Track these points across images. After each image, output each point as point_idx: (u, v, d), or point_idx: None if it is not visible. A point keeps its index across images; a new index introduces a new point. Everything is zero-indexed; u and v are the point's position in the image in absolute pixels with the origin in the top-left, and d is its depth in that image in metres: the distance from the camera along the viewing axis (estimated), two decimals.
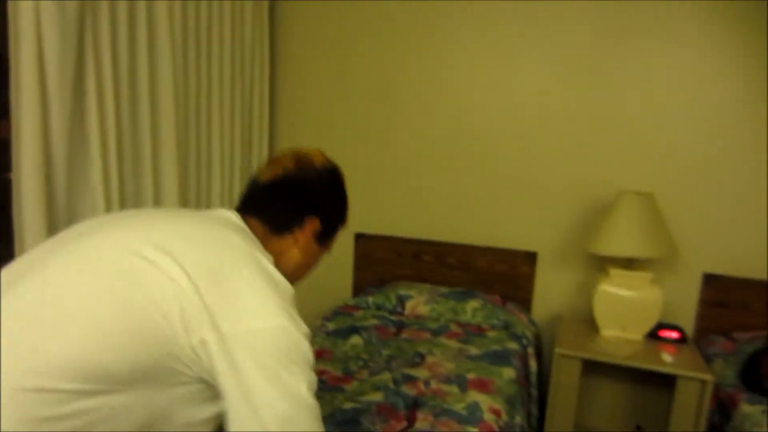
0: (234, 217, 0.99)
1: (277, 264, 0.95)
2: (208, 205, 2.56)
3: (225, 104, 2.57)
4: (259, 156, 2.88)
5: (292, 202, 1.04)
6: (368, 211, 2.97)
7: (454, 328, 2.41)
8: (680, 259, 2.52)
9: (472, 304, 2.52)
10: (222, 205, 2.62)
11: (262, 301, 0.82)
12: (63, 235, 0.89)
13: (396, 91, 2.84)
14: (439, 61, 2.76)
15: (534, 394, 2.33)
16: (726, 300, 2.49)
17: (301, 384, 0.82)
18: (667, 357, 2.19)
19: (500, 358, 2.12)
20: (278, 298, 0.84)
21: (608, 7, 2.48)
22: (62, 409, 0.70)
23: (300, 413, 0.81)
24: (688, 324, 2.55)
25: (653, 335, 2.40)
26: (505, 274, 2.75)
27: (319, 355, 2.08)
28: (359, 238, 2.97)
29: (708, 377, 2.06)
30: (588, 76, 2.55)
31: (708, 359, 2.34)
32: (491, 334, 2.36)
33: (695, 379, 2.08)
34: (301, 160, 1.06)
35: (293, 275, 1.08)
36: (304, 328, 0.86)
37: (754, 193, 2.42)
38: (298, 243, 1.06)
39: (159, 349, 0.75)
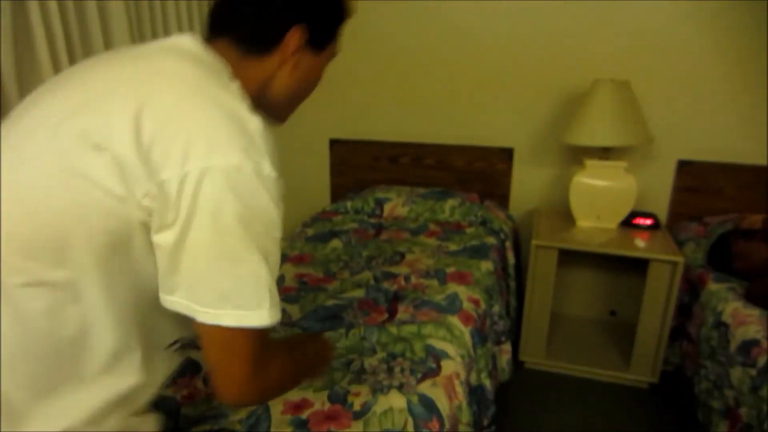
0: (188, 43, 0.78)
1: (266, 92, 0.83)
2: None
3: None
4: None
5: (266, 12, 0.79)
6: (343, 116, 2.89)
7: (432, 227, 2.43)
8: (655, 146, 2.52)
9: (450, 202, 2.53)
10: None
11: (209, 137, 0.67)
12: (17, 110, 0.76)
13: None
14: None
15: (512, 285, 2.41)
16: (699, 186, 2.52)
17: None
18: (639, 243, 2.25)
19: (478, 252, 2.15)
20: (235, 134, 0.68)
21: None
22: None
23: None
24: (663, 211, 2.60)
25: (628, 223, 2.44)
26: (482, 172, 2.74)
27: (300, 259, 2.10)
28: (334, 143, 2.92)
29: (678, 259, 2.13)
30: None
31: (680, 243, 2.41)
32: (469, 230, 2.39)
33: (666, 262, 2.15)
34: None
35: (290, 99, 0.88)
36: (268, 170, 0.69)
37: (728, 78, 2.38)
38: (286, 62, 0.82)
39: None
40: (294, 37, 0.81)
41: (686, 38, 2.38)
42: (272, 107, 0.86)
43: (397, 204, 2.56)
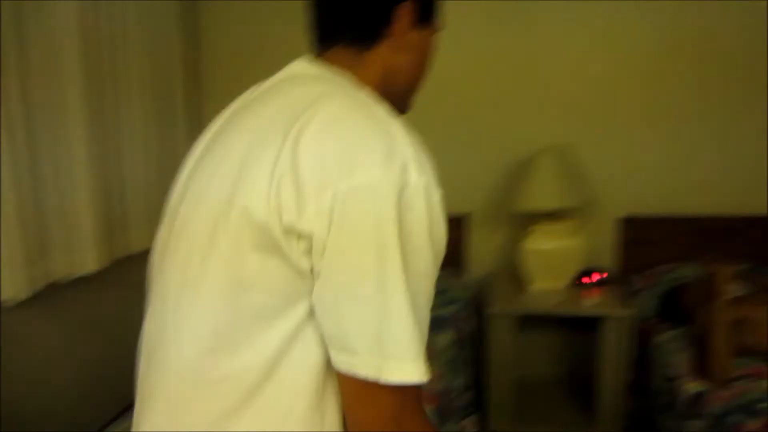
0: (309, 68, 0.75)
1: (387, 84, 0.78)
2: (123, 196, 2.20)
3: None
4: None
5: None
6: None
7: None
8: (601, 204, 2.64)
9: None
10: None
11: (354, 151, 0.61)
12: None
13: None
14: None
15: (473, 354, 2.44)
16: (644, 238, 2.65)
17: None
18: (589, 301, 2.33)
19: (435, 324, 2.18)
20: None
21: None
22: None
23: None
24: (613, 265, 2.70)
25: (580, 281, 2.53)
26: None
27: None
28: None
29: (627, 313, 2.21)
30: (508, 35, 2.61)
31: (631, 296, 2.50)
32: None
33: (617, 317, 2.23)
34: None
35: (412, 84, 0.83)
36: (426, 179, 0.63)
37: (663, 136, 2.57)
38: (399, 45, 0.77)
39: None
40: (405, 14, 0.76)
41: (626, 99, 2.57)
42: (396, 97, 0.80)
43: None
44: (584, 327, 2.71)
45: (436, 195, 0.65)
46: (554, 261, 2.46)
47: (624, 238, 2.66)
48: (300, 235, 0.60)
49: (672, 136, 2.56)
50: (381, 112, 0.66)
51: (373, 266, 0.59)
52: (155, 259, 0.77)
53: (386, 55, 0.77)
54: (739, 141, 2.50)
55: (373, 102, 0.68)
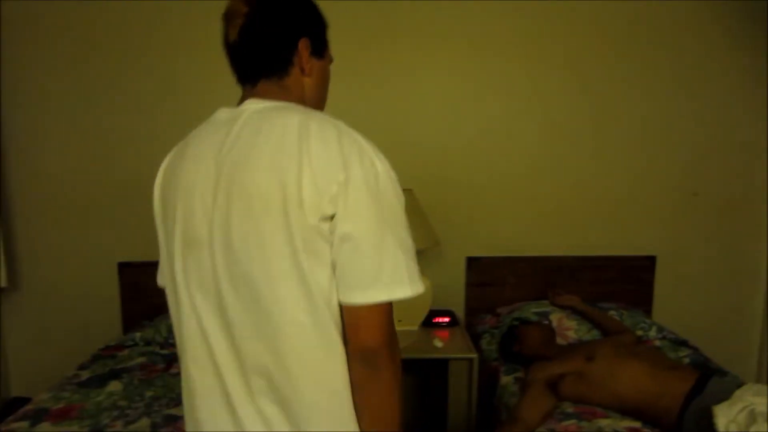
0: (261, 104, 0.95)
1: (305, 100, 1.00)
2: None
3: None
4: None
5: (274, 36, 0.97)
6: (133, 236, 2.66)
7: None
8: (446, 247, 2.68)
9: None
10: None
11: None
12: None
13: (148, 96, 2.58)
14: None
15: None
16: (488, 279, 2.71)
17: None
18: (438, 342, 2.30)
19: None
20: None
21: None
22: None
23: None
24: (460, 306, 2.73)
25: (428, 323, 2.51)
26: None
27: (64, 413, 1.77)
28: (124, 267, 2.65)
29: (472, 355, 2.21)
30: (354, 86, 2.56)
31: (477, 337, 2.53)
32: None
33: (463, 359, 2.22)
34: None
35: (318, 98, 1.06)
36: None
37: (504, 180, 2.68)
38: (305, 70, 1.00)
39: None
40: (303, 48, 0.99)
41: (463, 149, 2.64)
42: None
43: None
44: (436, 368, 2.68)
45: (393, 172, 0.90)
46: (402, 303, 2.39)
47: (469, 279, 2.71)
48: (324, 216, 0.83)
49: (515, 179, 2.68)
50: (341, 124, 0.89)
51: (378, 221, 0.85)
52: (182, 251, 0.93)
53: (298, 80, 1.00)
54: (573, 184, 2.68)
55: (326, 116, 0.91)
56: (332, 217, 0.83)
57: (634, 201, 2.69)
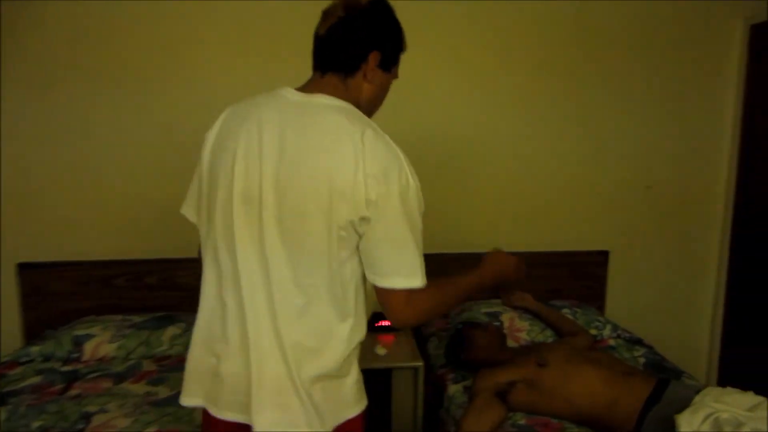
0: (326, 99, 1.11)
1: (358, 99, 1.14)
2: None
3: None
4: None
5: (352, 43, 1.12)
6: (35, 235, 2.33)
7: (147, 366, 1.98)
8: None
9: (172, 330, 2.12)
10: None
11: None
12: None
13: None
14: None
15: None
16: (438, 277, 2.52)
17: None
18: (381, 350, 2.10)
19: None
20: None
21: None
22: None
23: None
24: None
25: (372, 327, 2.31)
26: None
27: None
28: (25, 268, 2.32)
29: (417, 363, 2.02)
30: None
31: (425, 340, 2.34)
32: None
33: (407, 368, 2.03)
34: (349, 3, 1.13)
35: (372, 104, 1.20)
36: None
37: (452, 173, 2.49)
38: (367, 77, 1.14)
39: None
40: (373, 58, 1.14)
41: (408, 140, 2.43)
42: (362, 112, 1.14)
43: (102, 341, 2.06)
44: (379, 377, 2.48)
45: (419, 191, 1.08)
46: None
47: None
48: (362, 217, 1.04)
49: (463, 173, 2.51)
50: (387, 138, 1.07)
51: (403, 229, 1.05)
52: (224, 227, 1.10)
53: (359, 83, 1.14)
54: (525, 178, 2.53)
55: (378, 129, 1.08)
56: (367, 218, 1.03)
57: (587, 195, 2.56)
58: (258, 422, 1.06)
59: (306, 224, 1.03)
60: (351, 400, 1.13)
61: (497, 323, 2.25)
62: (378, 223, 1.03)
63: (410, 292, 1.07)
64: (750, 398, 1.52)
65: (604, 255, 2.57)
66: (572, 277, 2.56)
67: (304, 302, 1.06)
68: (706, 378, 2.71)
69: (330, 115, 1.06)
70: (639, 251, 2.61)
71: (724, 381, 2.66)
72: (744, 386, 2.56)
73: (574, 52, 2.46)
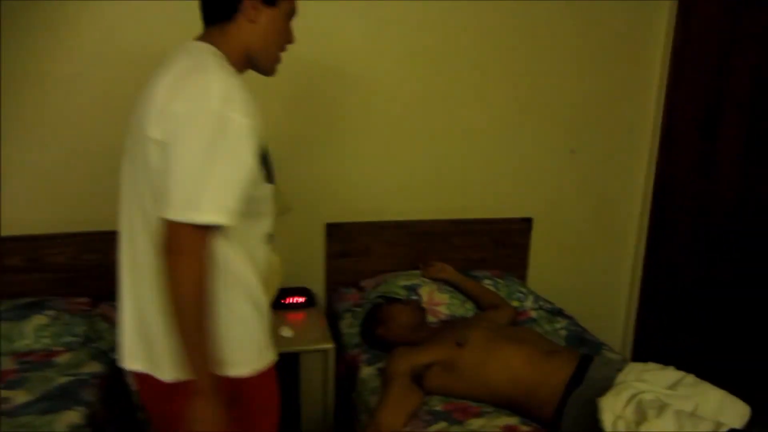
0: (190, 44, 1.09)
1: (249, 52, 1.12)
2: None
3: None
4: None
5: None
6: None
7: (5, 364, 1.67)
8: (300, 213, 2.24)
9: (38, 320, 1.80)
10: None
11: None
12: None
13: None
14: None
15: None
16: (352, 248, 2.33)
17: None
18: (286, 332, 1.89)
19: (59, 399, 1.50)
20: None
21: None
22: None
23: None
24: (319, 281, 2.34)
25: (279, 305, 2.10)
26: (98, 265, 2.07)
27: None
28: None
29: (327, 346, 1.83)
30: None
31: (338, 316, 2.16)
32: (64, 359, 1.72)
33: (316, 351, 1.84)
34: None
35: (265, 46, 1.14)
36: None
37: (367, 137, 2.27)
38: (250, 20, 1.09)
39: None
40: None
41: (319, 101, 2.18)
42: (258, 62, 1.15)
43: None
44: (287, 360, 2.28)
45: (245, 128, 1.00)
46: None
47: (330, 249, 2.31)
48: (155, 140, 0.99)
49: (380, 137, 2.29)
50: (213, 68, 1.02)
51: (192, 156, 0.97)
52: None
53: (241, 27, 1.10)
54: (444, 143, 2.35)
55: (213, 63, 1.03)
56: (162, 142, 0.97)
57: (510, 160, 2.42)
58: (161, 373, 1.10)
59: (150, 175, 1.03)
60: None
61: (415, 297, 2.10)
62: (170, 145, 0.97)
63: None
64: (671, 374, 1.45)
65: (527, 222, 2.46)
66: (494, 246, 2.44)
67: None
68: (622, 345, 2.71)
69: (179, 58, 1.05)
70: (562, 218, 2.52)
71: (639, 348, 2.69)
72: (658, 353, 2.61)
73: (495, 10, 2.26)
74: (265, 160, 1.15)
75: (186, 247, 0.97)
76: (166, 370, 1.08)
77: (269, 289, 1.27)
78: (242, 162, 1.00)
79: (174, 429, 1.11)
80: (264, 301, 1.18)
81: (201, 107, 0.96)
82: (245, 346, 1.12)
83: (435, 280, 2.17)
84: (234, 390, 1.08)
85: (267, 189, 1.17)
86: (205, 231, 0.98)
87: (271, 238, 1.23)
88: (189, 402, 1.00)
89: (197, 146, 0.96)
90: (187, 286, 0.97)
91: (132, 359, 1.14)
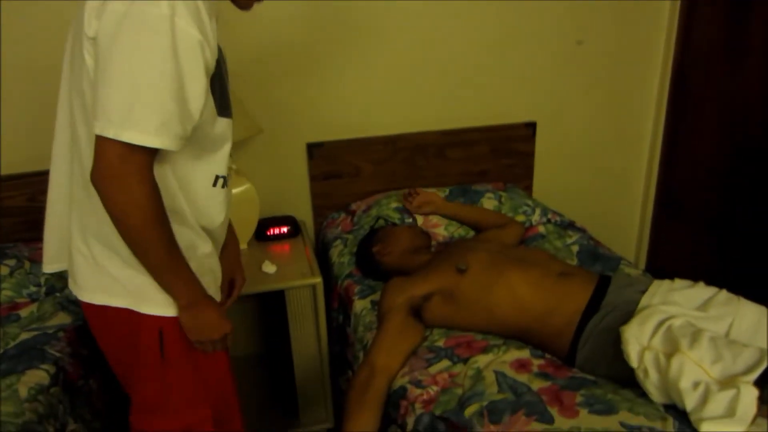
0: None
1: None
2: None
3: None
4: None
5: None
6: None
7: None
8: (277, 134, 2.01)
9: None
10: None
11: None
12: None
13: None
14: None
15: None
16: (337, 169, 2.11)
17: None
18: (269, 267, 1.71)
19: (21, 357, 1.37)
20: None
21: None
22: None
23: None
24: (305, 208, 2.14)
25: (262, 236, 1.92)
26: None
27: None
28: None
29: (314, 280, 1.66)
30: None
31: (327, 246, 1.99)
32: (27, 311, 1.57)
33: (303, 287, 1.67)
34: None
35: None
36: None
37: (348, 41, 1.98)
38: None
39: None
40: None
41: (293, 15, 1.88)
42: None
43: None
44: (273, 298, 2.13)
45: (195, 33, 0.86)
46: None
47: (313, 171, 2.10)
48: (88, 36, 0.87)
49: (361, 40, 2.00)
50: None
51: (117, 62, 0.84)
52: None
53: None
54: (433, 44, 2.05)
55: None
56: (96, 41, 0.86)
57: (509, 58, 2.13)
58: None
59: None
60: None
61: (409, 220, 1.91)
62: (97, 46, 0.86)
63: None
64: (701, 291, 1.27)
65: (531, 127, 2.21)
66: (495, 157, 2.21)
67: None
68: (636, 256, 2.55)
69: None
70: (569, 120, 2.27)
71: (654, 257, 2.52)
72: (672, 262, 2.44)
73: None
74: (220, 90, 0.99)
75: (116, 170, 0.84)
76: (81, 290, 1.04)
77: (219, 239, 1.15)
78: (190, 77, 0.86)
79: (116, 358, 1.12)
80: (209, 251, 1.07)
81: (145, 8, 0.81)
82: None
83: (423, 215, 1.93)
84: (160, 330, 1.02)
85: (222, 124, 1.01)
86: (143, 154, 0.86)
87: (224, 181, 1.06)
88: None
89: (136, 52, 0.82)
90: (129, 217, 0.87)
91: (50, 262, 1.13)
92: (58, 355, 1.42)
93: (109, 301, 1.01)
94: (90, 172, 0.87)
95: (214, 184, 1.04)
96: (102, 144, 0.84)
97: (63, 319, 1.57)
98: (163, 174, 0.95)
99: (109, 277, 0.99)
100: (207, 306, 1.03)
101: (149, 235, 0.90)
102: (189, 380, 1.07)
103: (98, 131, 0.83)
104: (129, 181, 0.85)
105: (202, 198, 1.03)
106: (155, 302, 1.00)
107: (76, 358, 1.49)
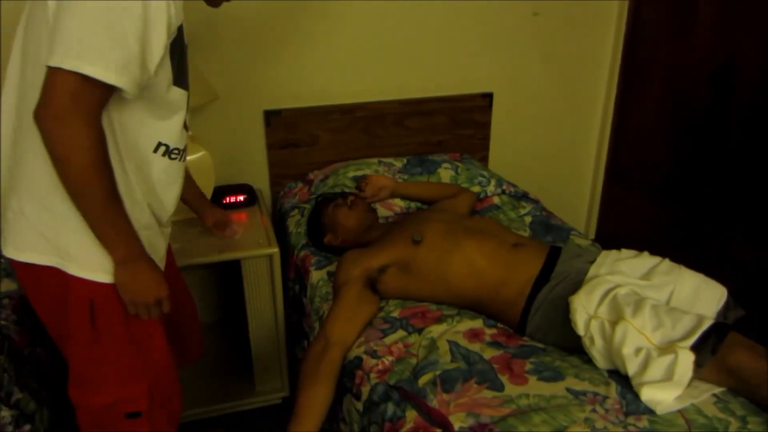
0: None
1: None
2: None
3: None
4: None
5: None
6: None
7: None
8: (233, 100, 1.96)
9: None
10: None
11: None
12: None
13: None
14: None
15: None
16: (295, 138, 2.08)
17: None
18: (227, 235, 1.68)
19: None
20: None
21: None
22: None
23: None
24: (262, 176, 2.10)
25: (219, 204, 1.87)
26: None
27: None
28: None
29: (271, 250, 1.64)
30: None
31: (285, 215, 1.96)
32: None
33: (260, 257, 1.65)
34: None
35: None
36: None
37: (307, 9, 1.92)
38: None
39: None
40: None
41: None
42: None
43: None
44: (229, 268, 2.10)
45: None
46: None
47: (271, 139, 2.05)
48: None
49: (321, 9, 1.94)
50: None
51: None
52: None
53: None
54: (393, 13, 2.01)
55: None
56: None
57: (466, 29, 2.11)
58: None
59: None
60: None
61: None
62: None
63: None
64: (645, 261, 1.33)
65: (488, 98, 2.22)
66: (453, 126, 2.22)
67: None
68: (587, 223, 2.63)
69: None
70: (525, 91, 2.29)
71: (603, 226, 2.60)
72: (620, 230, 2.53)
73: None
74: (179, 59, 0.97)
75: (66, 108, 0.81)
76: (8, 246, 1.00)
77: (161, 213, 1.10)
78: (153, 26, 0.85)
79: (50, 322, 1.08)
80: (144, 222, 1.04)
81: None
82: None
83: (379, 201, 1.86)
84: (91, 301, 0.99)
85: (176, 92, 0.98)
86: (97, 94, 0.84)
87: (168, 150, 1.03)
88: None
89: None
90: (72, 159, 0.84)
91: None
92: (2, 323, 1.37)
93: (35, 258, 0.96)
94: (35, 110, 0.83)
95: (155, 150, 1.00)
96: (55, 78, 0.81)
97: (8, 285, 1.50)
98: (106, 128, 0.91)
99: (36, 232, 0.95)
100: (145, 264, 0.99)
101: (91, 179, 0.86)
102: (123, 353, 1.04)
103: (55, 63, 0.79)
104: (77, 122, 0.82)
105: (141, 161, 0.99)
106: (85, 264, 0.96)
107: (23, 326, 1.43)
